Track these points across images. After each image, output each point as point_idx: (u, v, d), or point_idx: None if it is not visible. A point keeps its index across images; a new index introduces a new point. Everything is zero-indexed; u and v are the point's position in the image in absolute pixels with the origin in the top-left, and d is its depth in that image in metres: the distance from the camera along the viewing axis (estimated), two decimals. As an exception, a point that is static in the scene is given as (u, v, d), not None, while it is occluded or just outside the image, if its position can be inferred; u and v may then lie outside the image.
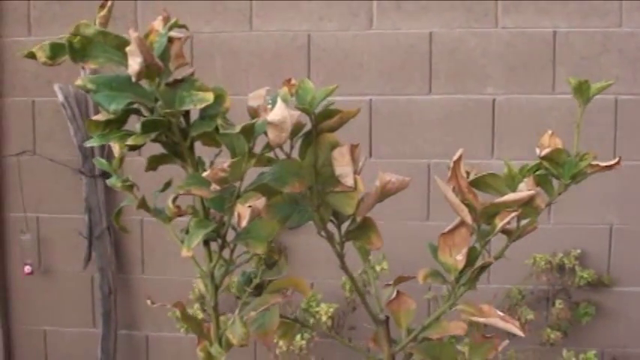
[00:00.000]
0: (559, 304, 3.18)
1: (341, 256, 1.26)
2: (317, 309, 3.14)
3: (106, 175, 3.48)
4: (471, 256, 1.28)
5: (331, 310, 3.14)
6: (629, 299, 3.32)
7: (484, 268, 1.26)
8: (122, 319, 3.58)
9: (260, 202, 1.07)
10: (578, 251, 3.25)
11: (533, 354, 3.27)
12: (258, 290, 1.20)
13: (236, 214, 1.07)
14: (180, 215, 1.14)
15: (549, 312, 3.27)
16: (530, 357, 3.27)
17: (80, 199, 3.50)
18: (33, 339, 3.70)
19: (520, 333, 1.24)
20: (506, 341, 1.38)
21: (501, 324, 1.23)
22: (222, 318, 1.16)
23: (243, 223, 1.05)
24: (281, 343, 3.08)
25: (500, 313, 1.24)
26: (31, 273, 3.61)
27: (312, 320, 3.18)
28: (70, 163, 3.50)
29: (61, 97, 3.41)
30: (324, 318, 3.12)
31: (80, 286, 3.62)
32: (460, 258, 1.25)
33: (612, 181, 3.21)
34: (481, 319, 1.24)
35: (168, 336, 3.55)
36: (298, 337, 3.13)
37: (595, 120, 3.13)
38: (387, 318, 1.35)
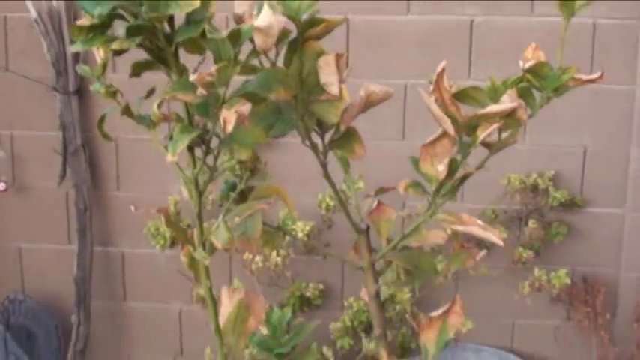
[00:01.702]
0: (532, 223, 3.22)
1: (324, 165, 1.27)
2: (293, 227, 3.17)
3: (80, 92, 3.46)
4: (452, 167, 1.29)
5: (307, 227, 3.17)
6: (601, 220, 3.38)
7: (465, 178, 1.27)
8: (98, 236, 3.59)
9: (245, 107, 1.07)
10: (552, 172, 3.28)
11: (505, 272, 3.32)
12: (242, 198, 1.21)
13: (221, 119, 1.07)
14: (165, 120, 1.14)
15: (522, 231, 3.32)
16: (503, 275, 3.33)
17: (54, 116, 3.46)
18: (8, 256, 3.70)
19: (499, 242, 1.25)
20: (484, 250, 1.40)
21: (481, 233, 1.25)
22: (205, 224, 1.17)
23: (229, 128, 1.05)
24: (257, 259, 3.11)
25: (480, 223, 1.26)
26: (6, 190, 3.60)
27: (287, 238, 3.21)
28: (44, 79, 3.46)
29: (34, 13, 3.35)
30: (300, 235, 3.15)
31: (55, 203, 3.61)
32: (441, 168, 1.26)
33: (588, 103, 3.24)
34: (461, 228, 1.26)
35: (144, 252, 3.57)
36: (274, 253, 3.16)
37: (573, 42, 3.13)
38: (368, 227, 1.36)
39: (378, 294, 1.36)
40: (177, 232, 1.17)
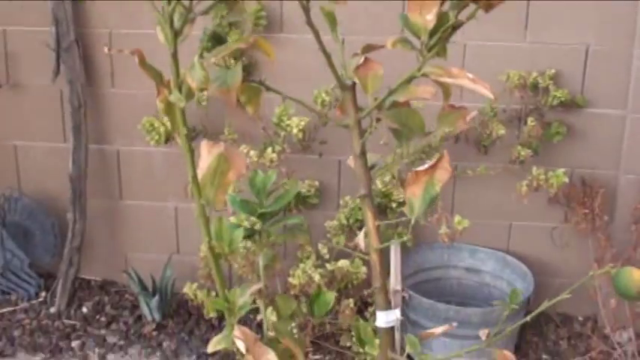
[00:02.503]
0: (531, 121, 3.17)
1: (307, 10, 1.21)
2: (288, 122, 3.12)
3: (73, -14, 3.39)
4: (443, 19, 1.24)
5: (302, 123, 3.12)
6: (601, 121, 3.33)
7: (455, 28, 1.22)
8: (93, 134, 3.55)
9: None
10: (553, 71, 3.22)
11: (503, 172, 3.29)
12: (220, 42, 1.16)
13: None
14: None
15: (521, 131, 3.27)
16: (501, 175, 3.30)
17: (46, 10, 3.39)
18: (3, 154, 3.67)
19: (489, 95, 1.21)
20: (475, 112, 1.36)
21: (471, 85, 1.21)
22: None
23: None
24: (252, 154, 3.08)
25: (470, 75, 1.21)
26: (-1, 87, 3.57)
27: (283, 134, 3.17)
28: (35, -28, 3.39)
29: None
30: (295, 131, 3.11)
31: (49, 100, 3.57)
32: (430, 18, 1.21)
33: (592, 1, 3.16)
34: (450, 80, 1.21)
35: (139, 150, 3.54)
36: (269, 150, 3.13)
37: None
38: (354, 84, 1.32)
39: (363, 153, 1.32)
40: (153, 74, 1.13)
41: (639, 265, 3.41)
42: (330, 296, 1.36)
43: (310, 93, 3.17)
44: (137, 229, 3.70)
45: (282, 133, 3.16)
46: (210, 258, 1.22)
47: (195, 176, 1.17)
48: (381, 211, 3.21)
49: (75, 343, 3.39)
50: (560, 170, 3.18)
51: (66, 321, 3.52)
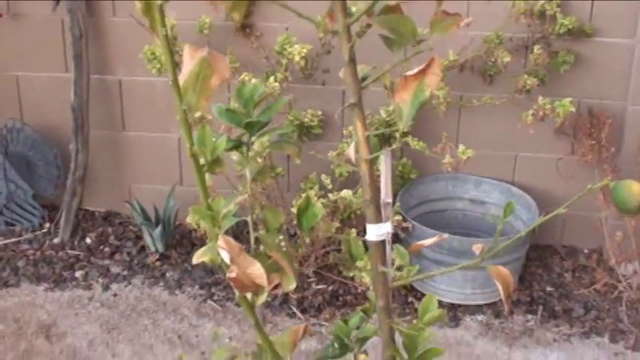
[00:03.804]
0: (537, 49, 3.11)
1: None
2: (290, 49, 3.08)
3: None
4: None
5: (304, 50, 3.08)
6: (609, 50, 3.27)
7: None
8: (94, 64, 3.52)
9: None
10: (561, -2, 3.16)
11: (508, 101, 3.24)
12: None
13: None
14: None
15: (527, 59, 3.22)
16: (507, 105, 3.25)
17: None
18: (5, 85, 3.64)
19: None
20: (470, 18, 1.32)
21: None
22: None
23: None
24: (254, 82, 3.04)
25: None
26: (0, 16, 3.52)
27: (285, 61, 3.13)
28: None
29: None
30: (297, 58, 3.06)
31: (50, 30, 3.53)
32: None
33: None
34: (440, -19, 1.17)
35: (140, 80, 3.50)
36: (272, 79, 3.09)
37: None
38: (344, -12, 1.28)
39: (352, 60, 1.29)
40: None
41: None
42: (319, 209, 1.33)
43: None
44: (140, 160, 3.68)
45: (285, 61, 3.11)
46: (194, 165, 1.20)
47: (175, 80, 1.14)
48: (385, 140, 3.17)
49: (79, 273, 3.40)
50: (567, 99, 3.13)
51: (69, 251, 3.53)
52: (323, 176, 3.18)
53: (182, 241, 3.57)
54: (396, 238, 3.00)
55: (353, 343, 1.51)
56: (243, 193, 1.28)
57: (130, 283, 3.35)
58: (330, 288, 3.27)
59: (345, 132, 3.31)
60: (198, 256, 1.23)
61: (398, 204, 3.16)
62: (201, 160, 1.20)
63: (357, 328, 1.53)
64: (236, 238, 1.23)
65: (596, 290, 3.30)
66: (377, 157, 1.29)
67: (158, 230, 3.43)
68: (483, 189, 3.48)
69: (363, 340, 1.52)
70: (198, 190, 1.22)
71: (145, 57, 3.25)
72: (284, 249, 1.31)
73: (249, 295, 1.26)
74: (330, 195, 3.09)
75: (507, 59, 3.06)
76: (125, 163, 3.70)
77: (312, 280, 3.30)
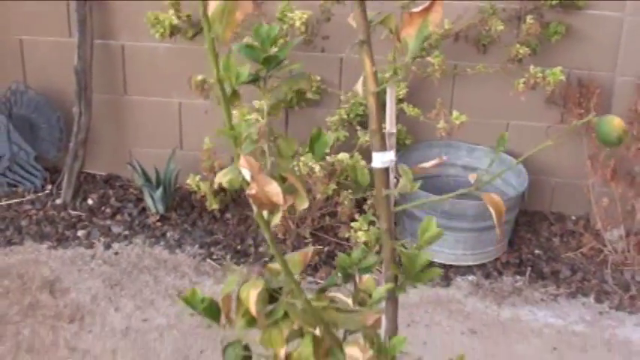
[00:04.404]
0: (530, 19, 3.22)
1: None
2: (291, 15, 3.17)
3: None
4: None
5: (305, 16, 3.17)
6: (599, 22, 3.38)
7: None
8: (98, 29, 3.59)
9: None
10: (553, -30, 3.27)
11: (501, 70, 3.35)
12: None
13: None
14: None
15: (520, 29, 3.32)
16: (499, 73, 3.35)
17: None
18: (9, 48, 3.71)
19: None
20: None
21: None
22: None
23: None
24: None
25: None
26: (5, -19, 3.60)
27: (285, 27, 3.22)
28: None
29: None
30: (297, 24, 3.15)
31: (55, -5, 3.61)
32: None
33: None
34: None
35: (144, 45, 3.59)
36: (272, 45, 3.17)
37: None
38: None
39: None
40: None
41: (630, 164, 3.50)
42: (330, 138, 1.44)
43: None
44: (141, 124, 3.77)
45: (285, 27, 3.21)
46: (218, 90, 1.29)
47: (205, 12, 1.24)
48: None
49: (80, 233, 3.49)
50: (558, 68, 3.23)
51: (71, 212, 3.61)
52: (320, 140, 3.27)
53: (182, 203, 3.67)
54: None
55: (356, 273, 1.61)
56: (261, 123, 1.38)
57: (131, 242, 3.45)
58: (326, 249, 3.38)
59: (342, 97, 3.41)
60: (220, 177, 1.33)
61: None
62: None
63: (360, 261, 1.63)
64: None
65: (583, 254, 3.42)
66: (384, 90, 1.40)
67: (159, 192, 3.52)
68: (476, 155, 3.59)
69: (365, 270, 1.62)
70: (223, 115, 1.32)
71: (148, 21, 3.33)
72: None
73: (265, 214, 1.36)
74: (327, 157, 3.19)
75: (501, 27, 3.17)
76: (126, 126, 3.78)
77: (308, 240, 3.40)
